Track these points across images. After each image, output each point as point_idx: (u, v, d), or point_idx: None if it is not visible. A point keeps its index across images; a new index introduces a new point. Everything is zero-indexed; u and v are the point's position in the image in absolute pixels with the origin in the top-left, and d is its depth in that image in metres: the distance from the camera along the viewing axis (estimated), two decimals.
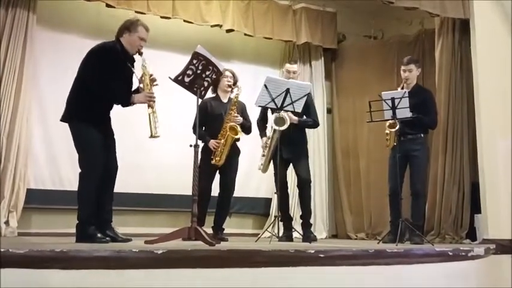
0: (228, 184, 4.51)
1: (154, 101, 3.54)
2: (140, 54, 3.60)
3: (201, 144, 4.46)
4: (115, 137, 3.66)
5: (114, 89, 3.47)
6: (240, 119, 4.43)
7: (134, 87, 3.71)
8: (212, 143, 4.39)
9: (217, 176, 4.56)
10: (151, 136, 3.53)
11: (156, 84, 3.61)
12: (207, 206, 4.37)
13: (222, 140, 4.38)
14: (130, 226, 4.96)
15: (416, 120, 4.39)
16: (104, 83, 3.40)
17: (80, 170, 3.43)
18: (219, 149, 4.38)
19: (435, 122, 4.67)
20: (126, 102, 3.52)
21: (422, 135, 4.55)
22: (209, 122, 4.49)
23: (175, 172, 5.35)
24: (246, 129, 4.58)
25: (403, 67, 4.63)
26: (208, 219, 4.54)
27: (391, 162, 4.56)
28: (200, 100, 3.69)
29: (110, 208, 3.65)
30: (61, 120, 3.53)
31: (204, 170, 4.09)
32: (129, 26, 3.57)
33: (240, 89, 4.53)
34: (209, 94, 4.50)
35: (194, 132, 4.45)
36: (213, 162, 4.35)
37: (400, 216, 4.26)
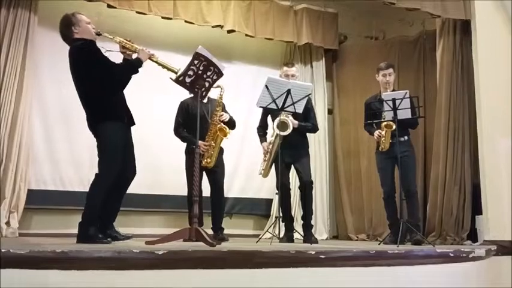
0: (218, 183, 4.53)
1: (151, 53, 3.56)
2: (99, 34, 3.61)
3: (184, 144, 4.48)
4: None
5: (117, 70, 3.50)
6: (226, 115, 4.48)
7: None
8: (201, 145, 4.38)
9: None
10: (177, 73, 3.50)
11: (132, 43, 3.62)
12: (201, 206, 4.38)
13: (212, 142, 4.38)
14: (130, 226, 4.95)
15: (408, 121, 4.39)
16: (104, 71, 3.43)
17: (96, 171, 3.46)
18: (210, 151, 4.39)
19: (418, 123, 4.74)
20: (137, 66, 3.53)
21: (406, 137, 4.58)
22: (191, 123, 4.46)
23: (174, 173, 5.34)
24: (232, 124, 4.61)
25: (382, 72, 4.65)
26: (207, 220, 4.55)
27: (382, 166, 4.59)
28: (199, 99, 3.68)
29: (116, 208, 3.67)
30: (91, 130, 3.54)
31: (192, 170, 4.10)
32: (70, 22, 3.57)
33: (223, 89, 4.52)
34: (187, 94, 4.47)
35: (176, 134, 4.49)
36: (203, 164, 4.35)
37: (399, 217, 4.27)
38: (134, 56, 3.61)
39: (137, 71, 3.57)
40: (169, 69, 3.52)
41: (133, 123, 3.68)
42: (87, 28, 3.58)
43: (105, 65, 3.45)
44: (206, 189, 4.59)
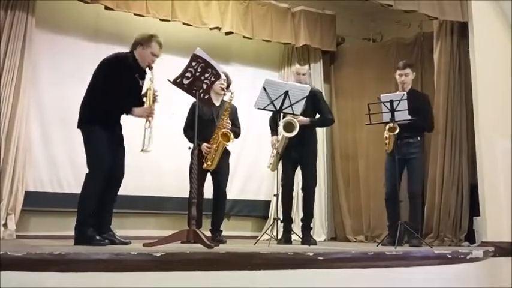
0: (220, 186, 4.52)
1: (152, 117, 3.63)
2: (150, 68, 3.69)
3: (184, 146, 4.47)
4: None
5: (118, 101, 3.56)
6: (228, 126, 4.43)
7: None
8: (204, 146, 4.38)
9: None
10: (142, 150, 3.59)
11: (157, 102, 3.71)
12: (201, 208, 4.37)
13: (214, 146, 4.38)
14: (128, 228, 4.95)
15: (414, 124, 4.40)
16: (109, 93, 3.51)
17: (87, 171, 3.53)
18: (211, 154, 4.38)
19: (432, 126, 4.72)
20: (127, 113, 3.65)
21: (419, 138, 4.58)
22: (200, 124, 4.46)
23: (172, 175, 5.34)
24: (235, 135, 4.56)
25: (399, 71, 4.66)
26: (206, 222, 4.55)
27: (387, 166, 4.59)
28: (196, 102, 3.69)
29: (110, 210, 3.69)
30: (77, 127, 3.62)
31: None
32: (143, 41, 3.68)
33: (233, 93, 4.51)
34: (189, 97, 4.48)
35: (185, 134, 4.49)
36: (204, 166, 4.35)
37: (397, 219, 4.26)
38: None
39: (135, 102, 3.68)
40: (143, 141, 3.57)
41: (121, 137, 3.74)
42: (146, 55, 3.67)
43: (116, 85, 3.51)
44: (207, 192, 4.58)
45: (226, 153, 4.57)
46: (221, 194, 4.52)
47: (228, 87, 4.57)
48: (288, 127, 4.33)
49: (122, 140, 3.74)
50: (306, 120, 4.43)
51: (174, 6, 5.33)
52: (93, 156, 3.51)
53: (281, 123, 4.33)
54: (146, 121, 3.61)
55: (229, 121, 4.43)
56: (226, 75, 4.60)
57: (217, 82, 4.50)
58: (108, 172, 3.51)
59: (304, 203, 4.71)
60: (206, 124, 4.43)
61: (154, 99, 3.68)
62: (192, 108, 4.57)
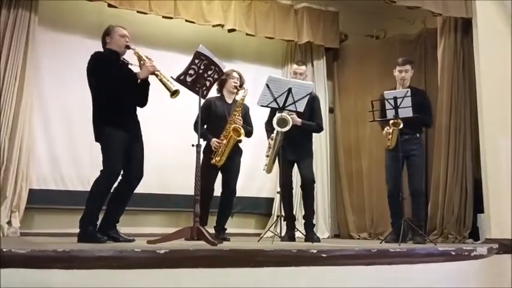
0: (230, 184, 4.51)
1: (157, 69, 3.60)
2: (129, 48, 3.68)
3: (203, 143, 4.49)
4: None
5: (120, 89, 3.54)
6: (240, 122, 4.43)
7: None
8: (214, 142, 4.39)
9: (219, 176, 4.57)
10: (172, 94, 3.53)
11: (152, 60, 3.68)
12: (209, 206, 4.37)
13: (224, 141, 4.37)
14: (133, 226, 4.95)
15: (417, 120, 4.39)
16: (108, 88, 3.51)
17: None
18: (221, 150, 4.38)
19: (432, 121, 4.74)
20: (137, 88, 3.61)
21: (418, 135, 4.58)
22: (212, 121, 4.49)
23: (177, 172, 5.35)
24: (246, 133, 4.55)
25: (399, 68, 4.64)
26: (211, 219, 4.55)
27: (388, 163, 4.58)
28: (203, 99, 3.69)
29: (120, 211, 3.69)
30: (95, 141, 3.62)
31: (206, 169, 4.09)
32: (106, 32, 3.72)
33: (246, 91, 4.51)
34: (214, 93, 4.51)
35: (195, 130, 4.48)
36: (212, 161, 4.35)
37: (401, 216, 4.26)
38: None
39: (135, 88, 3.63)
40: (166, 88, 3.53)
41: (138, 135, 3.71)
42: (118, 40, 3.67)
43: (107, 76, 3.51)
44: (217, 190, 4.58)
45: (238, 152, 4.55)
46: (230, 192, 4.51)
47: (241, 86, 4.58)
48: (282, 122, 4.32)
49: (141, 139, 3.71)
50: (298, 120, 4.42)
51: (177, 3, 5.32)
52: (106, 157, 3.52)
53: (275, 119, 4.31)
54: (156, 76, 3.59)
55: (240, 118, 4.43)
56: (240, 75, 4.61)
57: (231, 81, 4.53)
58: (119, 171, 3.52)
59: (304, 200, 4.69)
60: (218, 121, 4.44)
61: (148, 58, 3.65)
62: (205, 104, 4.56)
